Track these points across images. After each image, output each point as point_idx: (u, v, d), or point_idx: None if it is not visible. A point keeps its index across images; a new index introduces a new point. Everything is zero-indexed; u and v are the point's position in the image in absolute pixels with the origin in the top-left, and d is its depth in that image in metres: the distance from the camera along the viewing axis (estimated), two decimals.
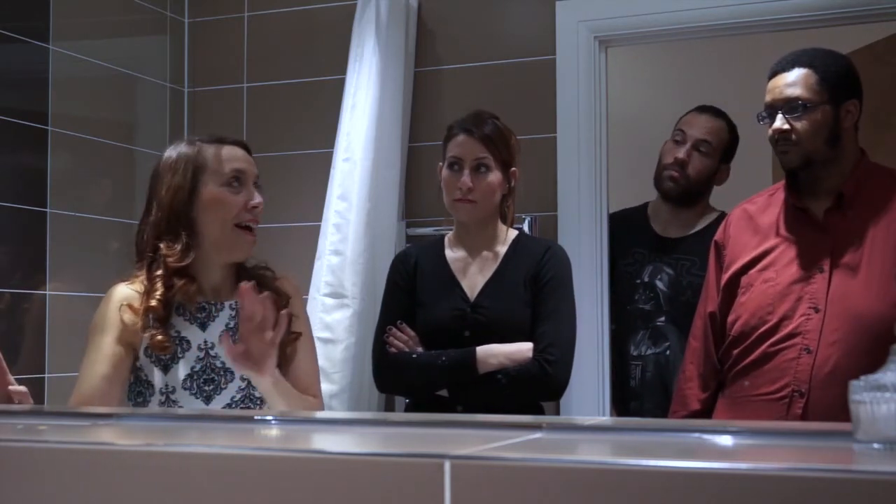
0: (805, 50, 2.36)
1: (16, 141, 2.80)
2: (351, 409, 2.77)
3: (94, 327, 2.02)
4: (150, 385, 1.99)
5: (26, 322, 2.80)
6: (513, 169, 2.43)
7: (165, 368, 2.00)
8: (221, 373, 2.02)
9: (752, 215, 2.44)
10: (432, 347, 2.38)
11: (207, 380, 2.01)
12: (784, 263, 2.33)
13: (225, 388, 2.03)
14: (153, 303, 1.98)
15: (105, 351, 1.98)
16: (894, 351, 0.95)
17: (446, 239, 2.52)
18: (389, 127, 2.96)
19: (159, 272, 2.00)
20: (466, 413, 2.27)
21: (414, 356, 2.37)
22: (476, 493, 0.88)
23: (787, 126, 2.29)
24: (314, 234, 2.96)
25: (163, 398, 1.99)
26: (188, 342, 2.02)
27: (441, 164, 2.45)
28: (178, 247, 2.01)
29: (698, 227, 2.85)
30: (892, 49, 3.24)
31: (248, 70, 3.30)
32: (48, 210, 2.83)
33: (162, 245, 2.01)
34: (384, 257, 2.82)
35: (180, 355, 2.00)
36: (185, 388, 1.99)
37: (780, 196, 2.41)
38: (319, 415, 2.00)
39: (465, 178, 2.38)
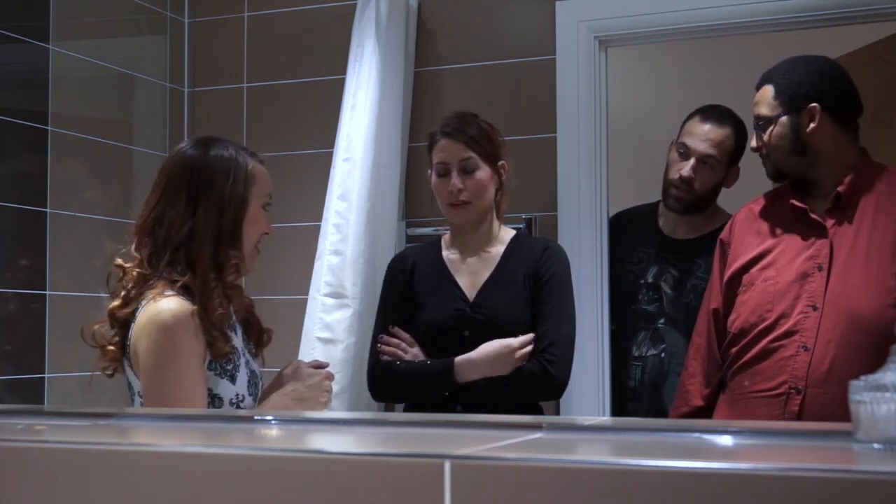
0: (778, 64, 2.42)
1: (16, 141, 2.80)
2: (351, 409, 2.77)
3: (169, 356, 1.86)
4: (217, 398, 1.91)
5: (26, 322, 2.80)
6: (501, 162, 2.44)
7: (233, 378, 1.94)
8: (258, 375, 2.02)
9: (757, 215, 2.46)
10: (432, 348, 2.38)
11: (256, 384, 2.00)
12: (784, 262, 2.34)
13: (260, 389, 2.03)
14: (222, 311, 1.91)
15: (199, 386, 1.86)
16: (894, 351, 0.95)
17: (443, 240, 2.52)
18: (389, 127, 2.96)
19: (214, 275, 1.93)
20: (466, 413, 2.27)
21: (399, 365, 2.37)
22: (476, 493, 0.88)
23: (755, 143, 2.42)
24: (314, 234, 2.95)
25: (233, 408, 1.93)
26: (238, 350, 1.97)
27: (430, 171, 2.45)
28: (243, 257, 1.97)
29: (707, 230, 2.80)
30: (892, 49, 3.24)
31: (248, 70, 3.30)
32: (48, 210, 2.82)
33: (234, 253, 1.95)
34: (384, 257, 2.81)
35: (238, 363, 1.96)
36: (250, 395, 1.96)
37: (784, 196, 2.42)
38: (319, 415, 2.00)
39: (455, 180, 2.38)
